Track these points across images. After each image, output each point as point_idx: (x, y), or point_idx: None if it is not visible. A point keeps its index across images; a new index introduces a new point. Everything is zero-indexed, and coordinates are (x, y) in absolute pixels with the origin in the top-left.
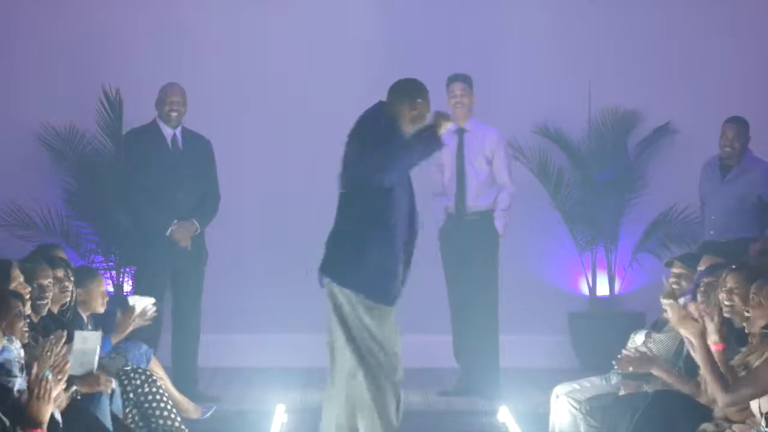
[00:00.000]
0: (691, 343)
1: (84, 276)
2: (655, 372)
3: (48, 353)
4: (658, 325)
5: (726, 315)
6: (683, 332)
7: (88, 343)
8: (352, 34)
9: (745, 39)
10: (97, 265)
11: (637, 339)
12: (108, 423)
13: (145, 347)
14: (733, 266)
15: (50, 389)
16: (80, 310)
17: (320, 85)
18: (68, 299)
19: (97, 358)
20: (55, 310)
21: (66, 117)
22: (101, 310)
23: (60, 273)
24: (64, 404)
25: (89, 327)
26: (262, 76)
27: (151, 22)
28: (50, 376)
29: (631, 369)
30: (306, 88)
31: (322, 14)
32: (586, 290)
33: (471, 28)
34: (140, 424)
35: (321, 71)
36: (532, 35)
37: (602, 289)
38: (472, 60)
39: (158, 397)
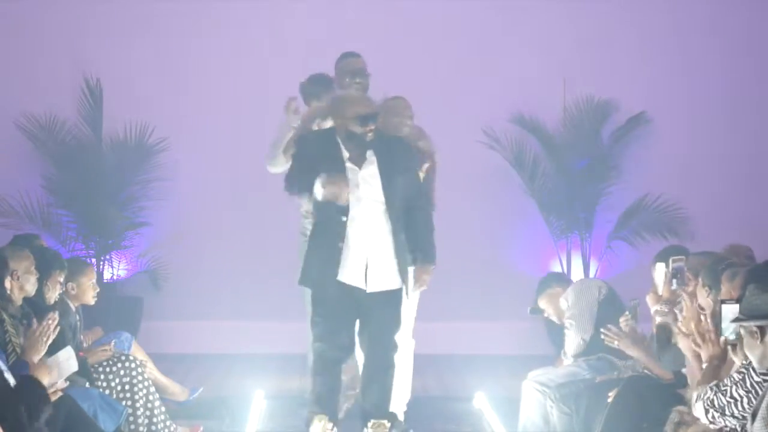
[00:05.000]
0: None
1: (75, 269)
2: (635, 354)
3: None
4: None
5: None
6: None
7: (68, 362)
8: (324, 29)
9: (719, 30)
10: (78, 252)
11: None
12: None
13: (126, 334)
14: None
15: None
16: (70, 302)
17: (289, 81)
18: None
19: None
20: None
21: (46, 106)
22: (92, 302)
23: (60, 277)
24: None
25: (78, 317)
26: (240, 69)
27: (131, 12)
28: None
29: (616, 344)
30: (278, 82)
31: (295, 13)
32: None
33: (449, 20)
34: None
35: (292, 70)
36: (508, 25)
37: (577, 276)
38: (450, 51)
39: (138, 381)
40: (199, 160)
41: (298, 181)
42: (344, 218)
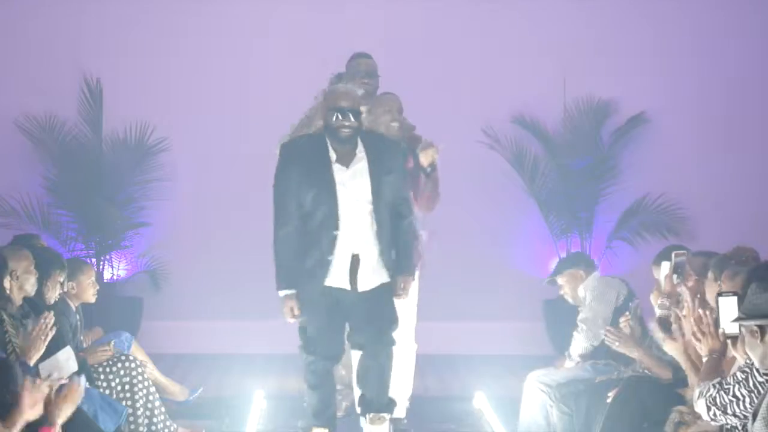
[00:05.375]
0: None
1: (74, 268)
2: (636, 355)
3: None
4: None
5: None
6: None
7: (68, 362)
8: (324, 29)
9: (720, 30)
10: (78, 252)
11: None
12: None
13: (126, 334)
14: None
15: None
16: (70, 301)
17: (290, 81)
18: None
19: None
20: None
21: (46, 106)
22: (93, 300)
23: (61, 277)
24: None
25: (78, 317)
26: (237, 71)
27: (131, 12)
28: (84, 381)
29: (616, 345)
30: (278, 82)
31: (295, 13)
32: None
33: (449, 20)
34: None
35: (292, 70)
36: (509, 25)
37: None
38: (450, 51)
39: (138, 381)
40: (199, 160)
41: (280, 185)
42: (336, 232)
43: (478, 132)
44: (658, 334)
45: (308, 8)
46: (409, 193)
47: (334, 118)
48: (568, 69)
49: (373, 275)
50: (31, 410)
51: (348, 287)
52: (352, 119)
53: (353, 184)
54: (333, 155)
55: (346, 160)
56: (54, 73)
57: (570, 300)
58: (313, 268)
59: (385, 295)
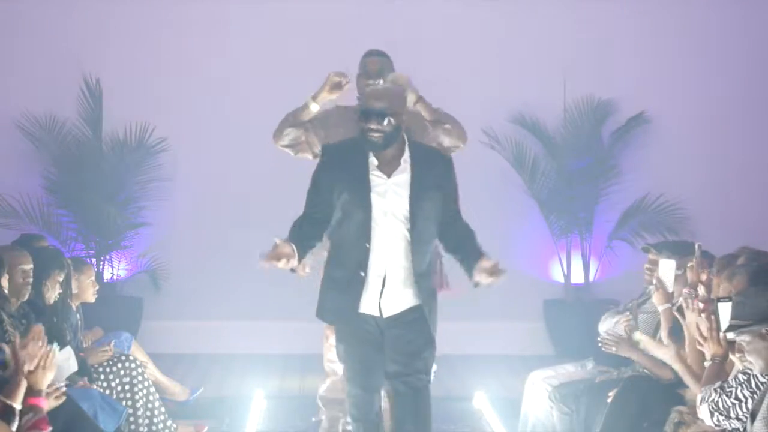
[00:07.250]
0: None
1: (74, 268)
2: (635, 357)
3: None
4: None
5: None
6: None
7: (67, 362)
8: (324, 29)
9: (719, 29)
10: (78, 252)
11: (607, 324)
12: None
13: (126, 334)
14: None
15: (53, 358)
16: (70, 301)
17: (290, 81)
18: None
19: (64, 376)
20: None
21: (46, 106)
22: (93, 299)
23: (60, 277)
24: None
25: (78, 317)
26: (239, 71)
27: (131, 12)
28: (56, 347)
29: (614, 350)
30: (279, 82)
31: (296, 13)
32: (561, 278)
33: (449, 20)
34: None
35: (293, 70)
36: (508, 25)
37: (577, 276)
38: (450, 50)
39: (138, 381)
40: (198, 160)
41: (312, 187)
42: (367, 245)
43: (478, 132)
44: (645, 340)
45: (309, 9)
46: (458, 209)
47: (363, 121)
48: (568, 69)
49: (398, 299)
50: (28, 366)
51: (377, 313)
52: (384, 123)
53: (391, 197)
54: (374, 161)
55: (389, 169)
56: (54, 73)
57: (649, 276)
58: (346, 285)
59: (415, 317)
